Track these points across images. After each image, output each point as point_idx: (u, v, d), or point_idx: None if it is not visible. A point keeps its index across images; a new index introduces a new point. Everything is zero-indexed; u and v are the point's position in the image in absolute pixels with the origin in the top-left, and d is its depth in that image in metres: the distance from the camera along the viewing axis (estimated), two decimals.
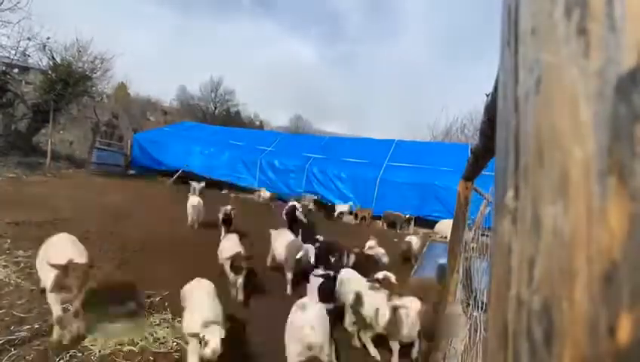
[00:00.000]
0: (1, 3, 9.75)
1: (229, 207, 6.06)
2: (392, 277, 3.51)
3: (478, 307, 1.79)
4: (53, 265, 2.30)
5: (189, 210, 6.47)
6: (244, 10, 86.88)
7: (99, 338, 2.62)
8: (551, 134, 0.16)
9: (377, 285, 3.20)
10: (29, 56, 11.72)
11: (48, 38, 10.71)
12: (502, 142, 0.21)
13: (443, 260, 3.56)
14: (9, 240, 4.15)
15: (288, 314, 2.56)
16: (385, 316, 2.90)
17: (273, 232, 4.91)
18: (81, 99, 11.86)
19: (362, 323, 3.12)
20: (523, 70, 0.19)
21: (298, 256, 4.15)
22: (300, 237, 5.35)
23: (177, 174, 11.81)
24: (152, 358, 2.54)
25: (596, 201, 0.14)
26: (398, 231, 9.46)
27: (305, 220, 6.93)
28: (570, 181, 0.15)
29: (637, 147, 0.13)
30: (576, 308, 0.14)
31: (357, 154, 12.01)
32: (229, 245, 3.97)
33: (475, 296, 1.98)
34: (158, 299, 3.44)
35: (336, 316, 3.22)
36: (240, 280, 3.64)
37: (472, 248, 2.83)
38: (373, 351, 3.10)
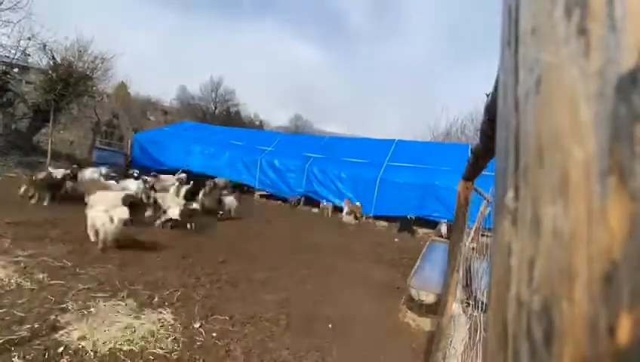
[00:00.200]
0: (1, 3, 9.75)
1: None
2: None
3: (478, 307, 1.79)
4: None
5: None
6: (245, 10, 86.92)
7: (99, 338, 2.62)
8: (551, 134, 0.16)
9: None
10: (29, 55, 11.72)
11: (51, 42, 10.71)
12: (502, 142, 0.21)
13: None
14: (9, 240, 4.16)
15: None
16: None
17: None
18: (81, 99, 11.85)
19: None
20: (523, 70, 0.19)
21: None
22: None
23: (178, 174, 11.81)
24: (152, 358, 2.54)
25: (596, 201, 0.14)
26: (358, 221, 10.05)
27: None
28: (570, 181, 0.15)
29: (637, 147, 0.13)
30: (576, 308, 0.14)
31: (357, 154, 12.01)
32: None
33: (475, 296, 1.98)
34: (158, 298, 3.44)
35: None
36: None
37: (472, 248, 2.83)
38: None
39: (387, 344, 3.28)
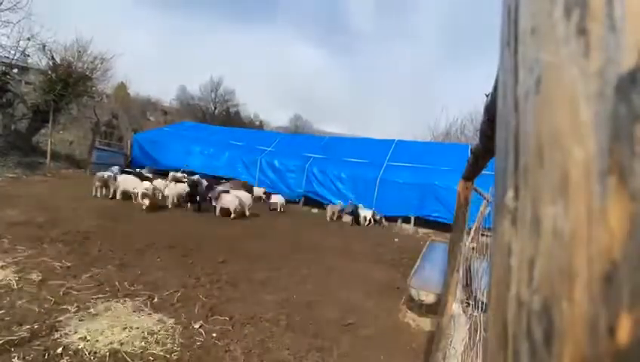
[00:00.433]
0: (1, 3, 9.75)
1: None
2: None
3: (478, 307, 1.79)
4: None
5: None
6: (245, 9, 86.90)
7: (98, 339, 2.62)
8: (551, 134, 0.16)
9: None
10: (28, 56, 11.72)
11: (50, 43, 10.71)
12: (502, 142, 0.21)
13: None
14: (9, 240, 4.15)
15: None
16: None
17: None
18: (81, 99, 11.86)
19: None
20: (523, 70, 0.19)
21: None
22: None
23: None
24: (151, 359, 2.54)
25: (596, 201, 0.14)
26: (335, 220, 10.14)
27: None
28: (570, 181, 0.15)
29: (637, 147, 0.13)
30: (576, 308, 0.14)
31: (357, 154, 12.02)
32: None
33: (475, 296, 1.98)
34: (158, 299, 3.44)
35: None
36: None
37: (472, 248, 2.83)
38: None
39: (387, 344, 3.28)
